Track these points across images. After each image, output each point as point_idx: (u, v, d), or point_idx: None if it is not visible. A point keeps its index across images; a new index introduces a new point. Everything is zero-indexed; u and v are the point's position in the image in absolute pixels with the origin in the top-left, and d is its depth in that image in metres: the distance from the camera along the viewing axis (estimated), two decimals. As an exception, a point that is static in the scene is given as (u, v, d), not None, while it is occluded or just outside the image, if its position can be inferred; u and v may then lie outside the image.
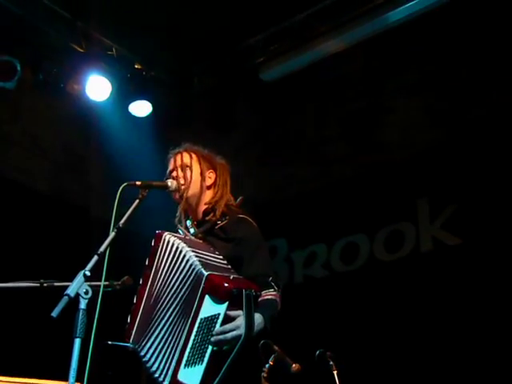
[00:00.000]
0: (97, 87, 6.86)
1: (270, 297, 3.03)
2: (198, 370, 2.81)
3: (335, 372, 3.87)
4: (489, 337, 5.54)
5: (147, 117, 7.33)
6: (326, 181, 7.27)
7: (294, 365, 3.30)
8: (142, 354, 3.08)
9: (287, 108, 7.76)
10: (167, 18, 6.73)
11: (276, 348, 3.27)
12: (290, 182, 7.54)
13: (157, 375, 2.98)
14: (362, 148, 7.11)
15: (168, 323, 3.00)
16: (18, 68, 6.40)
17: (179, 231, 3.36)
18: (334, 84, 7.38)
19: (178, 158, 3.47)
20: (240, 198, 3.47)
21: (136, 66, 7.18)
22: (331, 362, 3.95)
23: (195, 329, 2.86)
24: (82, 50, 6.77)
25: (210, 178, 3.44)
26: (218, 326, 2.80)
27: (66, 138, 7.62)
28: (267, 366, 3.13)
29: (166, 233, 3.20)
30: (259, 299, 2.97)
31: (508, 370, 5.33)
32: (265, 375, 3.09)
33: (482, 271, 5.78)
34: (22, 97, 7.07)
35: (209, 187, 3.43)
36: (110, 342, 3.93)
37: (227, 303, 2.80)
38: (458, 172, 6.25)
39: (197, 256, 2.96)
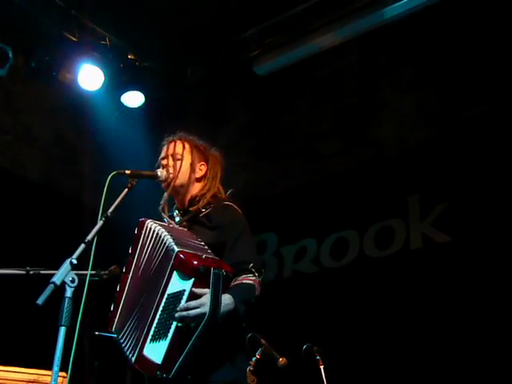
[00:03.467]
0: (89, 77, 6.83)
1: (247, 281, 3.02)
2: (162, 346, 2.81)
3: (322, 367, 3.88)
4: (477, 334, 5.54)
5: (139, 107, 7.32)
6: (317, 176, 7.25)
7: (280, 359, 3.31)
8: (120, 336, 3.08)
9: (280, 102, 7.74)
10: (162, 9, 6.70)
11: (263, 342, 3.28)
12: (281, 177, 7.53)
13: (127, 353, 2.99)
14: (355, 144, 7.10)
15: (142, 304, 3.01)
16: (10, 55, 6.37)
17: (164, 220, 3.36)
18: (328, 79, 7.36)
19: (172, 146, 3.44)
20: (230, 190, 3.46)
21: (129, 57, 7.15)
22: (318, 357, 3.97)
23: (162, 304, 2.87)
24: (75, 39, 6.74)
25: (200, 170, 3.42)
26: (183, 302, 2.80)
27: (57, 127, 7.58)
28: (254, 359, 3.14)
29: (149, 220, 3.20)
30: (236, 282, 2.98)
31: (495, 363, 5.35)
32: (251, 368, 3.09)
33: (471, 269, 5.78)
34: (13, 85, 7.03)
35: (198, 179, 3.40)
36: (96, 333, 3.92)
37: (193, 280, 2.79)
38: (449, 170, 6.25)
39: (174, 238, 2.96)
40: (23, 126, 7.32)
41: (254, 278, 3.03)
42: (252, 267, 3.05)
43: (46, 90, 7.14)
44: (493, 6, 6.19)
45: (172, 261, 2.87)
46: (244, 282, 3.00)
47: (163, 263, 2.94)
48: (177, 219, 3.35)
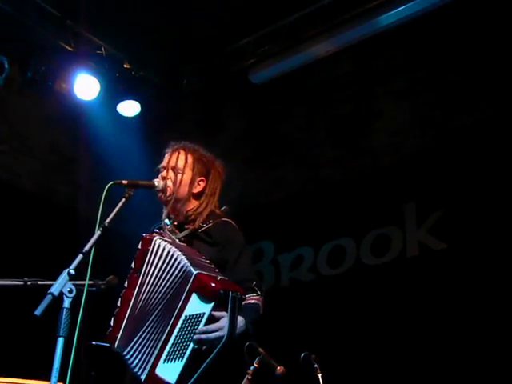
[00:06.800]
0: (85, 86, 6.83)
1: (253, 301, 3.09)
2: (177, 367, 2.82)
3: (319, 375, 3.88)
4: (474, 340, 5.54)
5: (135, 117, 7.31)
6: (313, 184, 7.26)
7: (278, 367, 3.29)
8: (125, 353, 3.05)
9: (276, 111, 7.75)
10: (157, 18, 6.72)
11: (261, 350, 3.27)
12: (277, 185, 7.54)
13: (136, 370, 2.96)
14: (350, 152, 7.12)
15: (153, 321, 2.99)
16: (6, 65, 6.37)
17: (155, 230, 3.35)
18: (323, 88, 7.38)
19: (174, 157, 3.40)
20: (225, 207, 3.45)
21: (125, 66, 7.15)
22: (316, 365, 3.96)
23: (179, 325, 2.87)
24: (70, 49, 6.75)
25: (198, 185, 3.39)
26: (202, 324, 2.82)
27: (53, 137, 7.57)
28: (252, 367, 3.14)
29: (157, 237, 3.19)
30: (243, 303, 2.99)
31: (492, 370, 5.35)
32: (249, 377, 3.09)
33: (468, 276, 5.79)
34: (9, 95, 7.03)
35: (195, 195, 3.38)
36: (94, 343, 3.90)
37: (213, 303, 2.82)
38: (444, 177, 6.26)
39: (188, 259, 2.96)
40: (19, 136, 7.31)
41: (257, 296, 3.11)
42: (255, 286, 3.12)
43: (41, 100, 7.14)
44: (487, 15, 6.22)
45: (190, 282, 2.86)
46: (250, 302, 3.07)
47: (179, 284, 2.93)
48: (173, 234, 3.32)
